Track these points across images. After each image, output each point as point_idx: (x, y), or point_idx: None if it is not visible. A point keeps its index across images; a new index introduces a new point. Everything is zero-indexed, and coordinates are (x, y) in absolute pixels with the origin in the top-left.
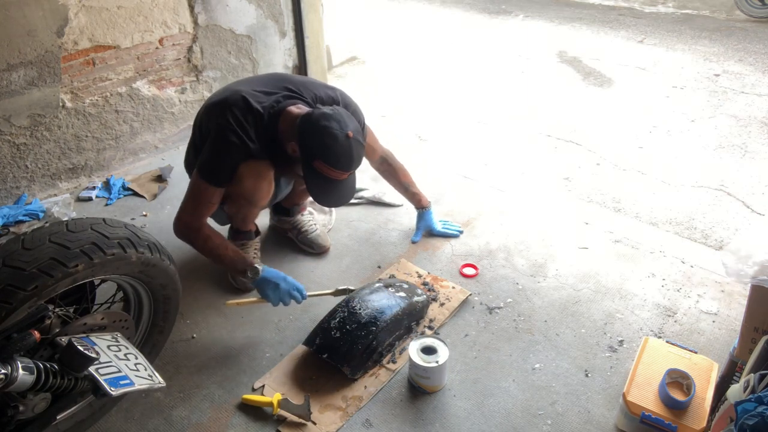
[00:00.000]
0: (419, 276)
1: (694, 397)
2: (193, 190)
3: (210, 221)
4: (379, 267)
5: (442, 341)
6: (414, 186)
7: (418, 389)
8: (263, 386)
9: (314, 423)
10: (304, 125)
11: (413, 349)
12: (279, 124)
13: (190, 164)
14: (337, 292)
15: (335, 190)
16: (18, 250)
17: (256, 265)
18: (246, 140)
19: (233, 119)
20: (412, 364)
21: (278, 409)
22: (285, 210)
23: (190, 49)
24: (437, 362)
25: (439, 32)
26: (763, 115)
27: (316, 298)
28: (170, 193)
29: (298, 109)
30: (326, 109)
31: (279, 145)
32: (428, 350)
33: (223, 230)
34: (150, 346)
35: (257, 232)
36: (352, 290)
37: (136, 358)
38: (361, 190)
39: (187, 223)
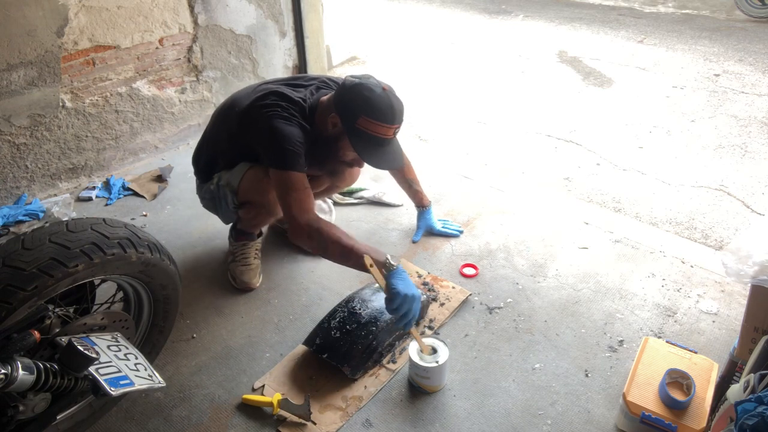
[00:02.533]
0: (419, 276)
1: (694, 397)
2: (285, 188)
3: (214, 219)
4: None
5: (442, 341)
6: (417, 183)
7: (418, 389)
8: (263, 386)
9: (314, 423)
10: (340, 91)
11: (413, 349)
12: (316, 116)
13: (202, 170)
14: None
15: (384, 151)
16: (18, 250)
17: (393, 259)
18: (302, 122)
19: (283, 110)
20: (412, 364)
21: (278, 409)
22: None
23: (190, 49)
24: (437, 362)
25: (439, 32)
26: (763, 115)
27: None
28: (170, 193)
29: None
30: (356, 75)
31: (319, 135)
32: (430, 349)
33: (225, 229)
34: (150, 346)
35: (259, 233)
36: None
37: (136, 358)
38: (361, 190)
39: (305, 222)
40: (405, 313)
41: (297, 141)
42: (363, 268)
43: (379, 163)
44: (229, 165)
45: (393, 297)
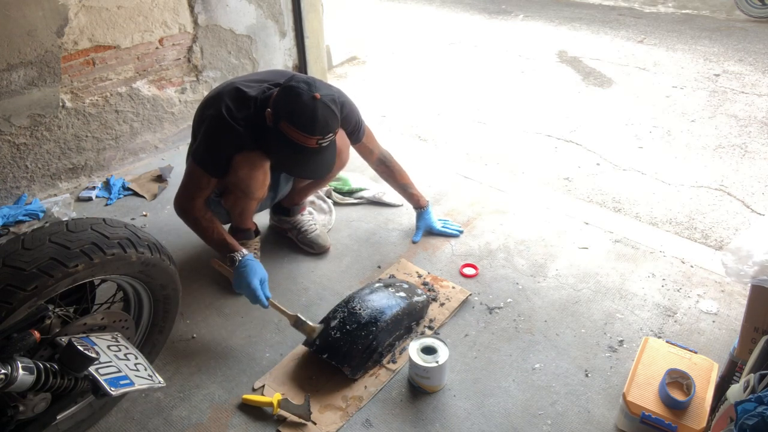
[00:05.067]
0: (419, 276)
1: (694, 397)
2: (186, 174)
3: None
4: (379, 267)
5: (442, 341)
6: (412, 187)
7: (418, 389)
8: (263, 386)
9: (314, 423)
10: (279, 90)
11: (413, 349)
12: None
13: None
14: (297, 322)
15: (304, 159)
16: (18, 250)
17: (238, 254)
18: (236, 126)
19: (224, 107)
20: (412, 364)
21: (278, 409)
22: (285, 210)
23: (190, 49)
24: (437, 362)
25: (439, 32)
26: (763, 115)
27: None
28: (170, 193)
29: None
30: (302, 76)
31: (266, 129)
32: (428, 350)
33: None
34: (150, 346)
35: (257, 232)
36: (311, 325)
37: (136, 358)
38: (361, 190)
39: (179, 204)
40: (249, 297)
41: (218, 145)
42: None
43: (293, 169)
44: None
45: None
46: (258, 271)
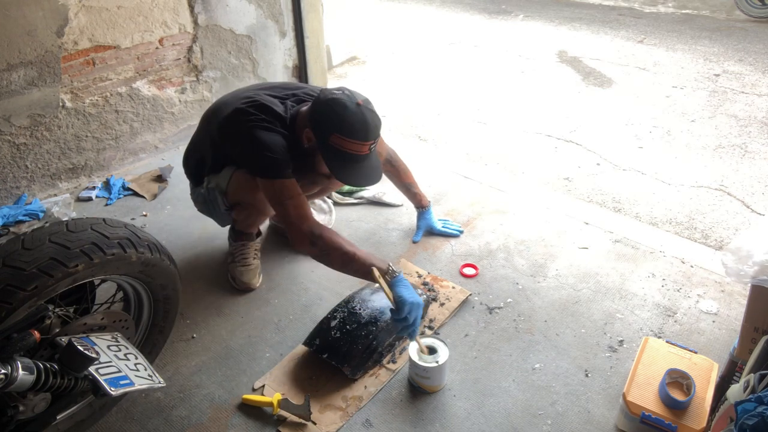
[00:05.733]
0: (419, 276)
1: (694, 397)
2: (279, 197)
3: (211, 223)
4: None
5: (442, 341)
6: (416, 186)
7: (418, 389)
8: (263, 386)
9: (314, 423)
10: (314, 106)
11: (413, 349)
12: (296, 128)
13: (193, 174)
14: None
15: (359, 168)
16: (18, 250)
17: (396, 267)
18: (283, 131)
19: (263, 120)
20: (412, 364)
21: (278, 409)
22: None
23: (190, 49)
24: (437, 362)
25: (439, 32)
26: (763, 115)
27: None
28: (170, 193)
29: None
30: (331, 88)
31: (299, 146)
32: (428, 350)
33: (224, 230)
34: (150, 346)
35: (258, 233)
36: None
37: (136, 358)
38: (361, 190)
39: (306, 231)
40: (412, 322)
41: (281, 149)
42: (365, 276)
43: (354, 180)
44: (216, 168)
45: (400, 307)
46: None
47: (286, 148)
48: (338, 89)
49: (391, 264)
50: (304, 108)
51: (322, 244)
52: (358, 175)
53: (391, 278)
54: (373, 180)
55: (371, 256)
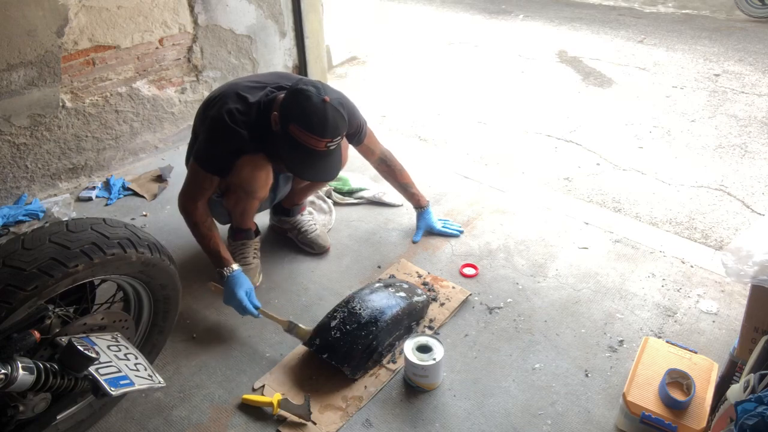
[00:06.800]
0: (419, 276)
1: (694, 397)
2: (189, 173)
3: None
4: (379, 267)
5: (435, 338)
6: (413, 186)
7: (416, 388)
8: (263, 386)
9: (314, 423)
10: (286, 93)
11: (408, 349)
12: (270, 112)
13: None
14: (290, 327)
15: (311, 162)
16: (18, 250)
17: (226, 270)
18: (237, 129)
19: (226, 110)
20: (410, 364)
21: (278, 409)
22: (285, 210)
23: (190, 49)
24: (434, 359)
25: (439, 32)
26: (763, 115)
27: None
28: (170, 193)
29: None
30: (309, 80)
31: (270, 131)
32: (423, 349)
33: (224, 230)
34: (150, 346)
35: (257, 232)
36: (304, 329)
37: (136, 358)
38: (361, 190)
39: (182, 203)
40: (239, 310)
41: (220, 145)
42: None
43: (302, 172)
44: None
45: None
46: (243, 282)
47: (240, 147)
48: (314, 82)
49: (218, 271)
50: (282, 95)
51: (187, 220)
52: (308, 169)
53: (221, 281)
54: (323, 177)
55: (211, 256)
